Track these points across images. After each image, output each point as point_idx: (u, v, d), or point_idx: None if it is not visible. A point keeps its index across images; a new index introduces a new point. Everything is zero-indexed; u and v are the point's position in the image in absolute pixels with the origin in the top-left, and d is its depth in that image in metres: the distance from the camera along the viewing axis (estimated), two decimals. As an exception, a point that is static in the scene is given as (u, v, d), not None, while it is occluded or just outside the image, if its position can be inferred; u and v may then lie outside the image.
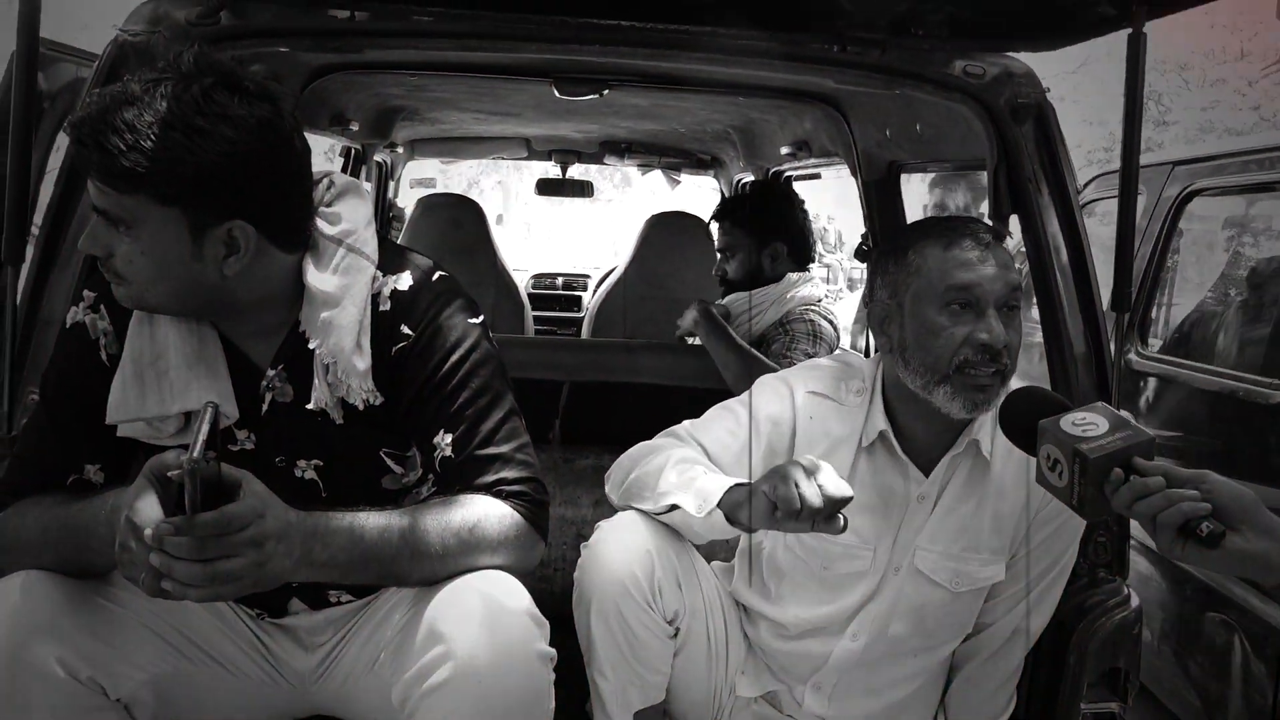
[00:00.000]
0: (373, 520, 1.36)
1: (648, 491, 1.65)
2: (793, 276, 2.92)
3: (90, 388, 1.46)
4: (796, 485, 1.44)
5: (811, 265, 3.04)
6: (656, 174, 4.71)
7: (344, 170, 3.93)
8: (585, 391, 2.61)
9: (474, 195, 5.00)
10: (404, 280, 1.49)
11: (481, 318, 1.53)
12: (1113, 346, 1.94)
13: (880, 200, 2.87)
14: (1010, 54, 1.98)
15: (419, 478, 1.56)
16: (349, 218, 1.49)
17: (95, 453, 1.48)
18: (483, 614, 1.33)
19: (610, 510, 1.74)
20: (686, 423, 1.79)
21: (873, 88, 2.12)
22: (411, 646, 1.36)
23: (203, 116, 1.29)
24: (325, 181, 1.52)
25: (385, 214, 4.52)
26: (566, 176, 4.97)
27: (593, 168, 5.39)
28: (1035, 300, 1.98)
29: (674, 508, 1.60)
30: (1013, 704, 1.87)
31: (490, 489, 1.44)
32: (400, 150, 4.40)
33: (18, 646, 1.30)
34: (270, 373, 1.48)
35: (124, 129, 1.27)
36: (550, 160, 4.69)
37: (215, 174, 1.30)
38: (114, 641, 1.39)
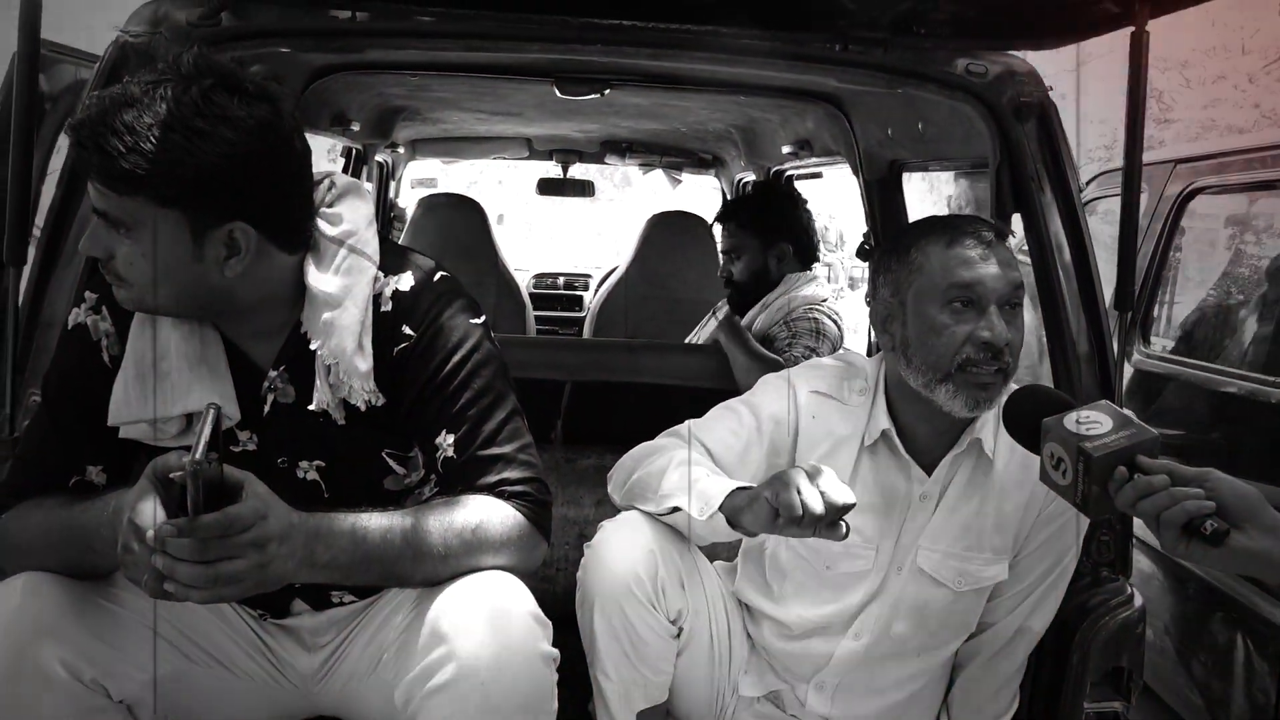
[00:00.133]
0: (375, 521, 1.36)
1: (650, 493, 1.65)
2: (793, 276, 2.92)
3: (92, 389, 1.46)
4: (799, 491, 1.43)
5: (815, 264, 3.05)
6: (658, 173, 4.71)
7: (345, 171, 3.93)
8: (587, 391, 2.61)
9: (473, 193, 4.99)
10: (405, 281, 1.49)
11: (483, 318, 1.53)
12: (1116, 345, 1.94)
13: (882, 199, 2.86)
14: (1013, 52, 1.98)
15: (421, 478, 1.56)
16: (350, 218, 1.49)
17: (97, 454, 1.48)
18: (486, 614, 1.33)
19: (612, 510, 1.74)
20: (689, 422, 1.79)
21: (875, 87, 2.12)
22: (414, 647, 1.36)
23: (202, 118, 1.29)
24: (326, 182, 1.52)
25: (386, 214, 4.52)
26: (568, 176, 4.97)
27: (593, 167, 5.39)
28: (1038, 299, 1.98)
29: (676, 509, 1.60)
30: (1015, 703, 1.87)
31: (493, 489, 1.44)
32: (401, 150, 4.40)
33: (21, 648, 1.30)
34: (272, 374, 1.48)
35: (124, 131, 1.27)
36: (551, 160, 4.69)
37: (215, 175, 1.30)
38: (116, 643, 1.39)
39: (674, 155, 4.41)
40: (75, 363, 1.49)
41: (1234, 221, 3.63)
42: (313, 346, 1.44)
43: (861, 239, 3.10)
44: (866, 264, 2.69)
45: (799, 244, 2.96)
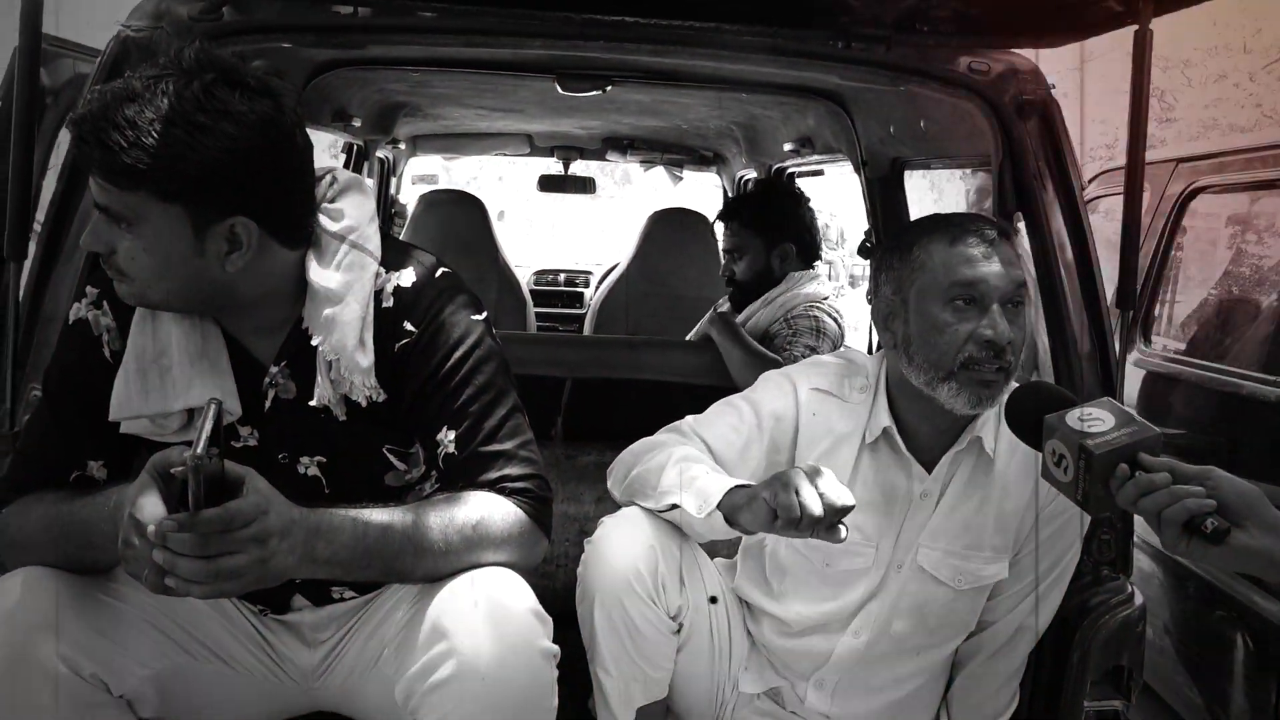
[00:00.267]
0: (376, 517, 1.36)
1: (649, 489, 1.65)
2: (795, 274, 2.92)
3: (93, 384, 1.46)
4: (797, 493, 1.42)
5: (816, 262, 3.04)
6: (659, 170, 4.71)
7: (346, 167, 3.93)
8: (588, 388, 2.61)
9: (474, 190, 5.00)
10: (407, 276, 1.49)
11: (485, 314, 1.52)
12: (1117, 343, 1.94)
13: (884, 197, 2.86)
14: (1016, 50, 1.97)
15: (422, 474, 1.55)
16: (352, 214, 1.49)
17: (98, 449, 1.47)
18: (486, 611, 1.33)
19: (613, 507, 1.74)
20: (690, 418, 1.79)
21: (877, 84, 2.12)
22: (414, 643, 1.36)
23: (204, 113, 1.29)
24: (328, 178, 1.51)
25: (387, 211, 4.52)
26: (568, 173, 4.97)
27: (594, 164, 5.38)
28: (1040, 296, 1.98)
29: (674, 506, 1.60)
30: (1015, 702, 1.87)
31: (493, 486, 1.44)
32: (402, 146, 4.40)
33: (20, 643, 1.30)
34: (273, 369, 1.48)
35: (125, 126, 1.27)
36: (552, 156, 4.69)
37: (217, 170, 1.30)
38: (117, 638, 1.39)
39: (675, 152, 4.40)
40: (76, 358, 1.49)
41: (1235, 221, 3.63)
42: (314, 342, 1.44)
43: (863, 237, 3.10)
44: (868, 262, 2.69)
45: (801, 243, 2.96)
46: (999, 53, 1.96)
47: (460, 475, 1.45)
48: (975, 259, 1.63)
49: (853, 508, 1.43)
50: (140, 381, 1.44)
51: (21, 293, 1.73)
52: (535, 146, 4.46)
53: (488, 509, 1.41)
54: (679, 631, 1.70)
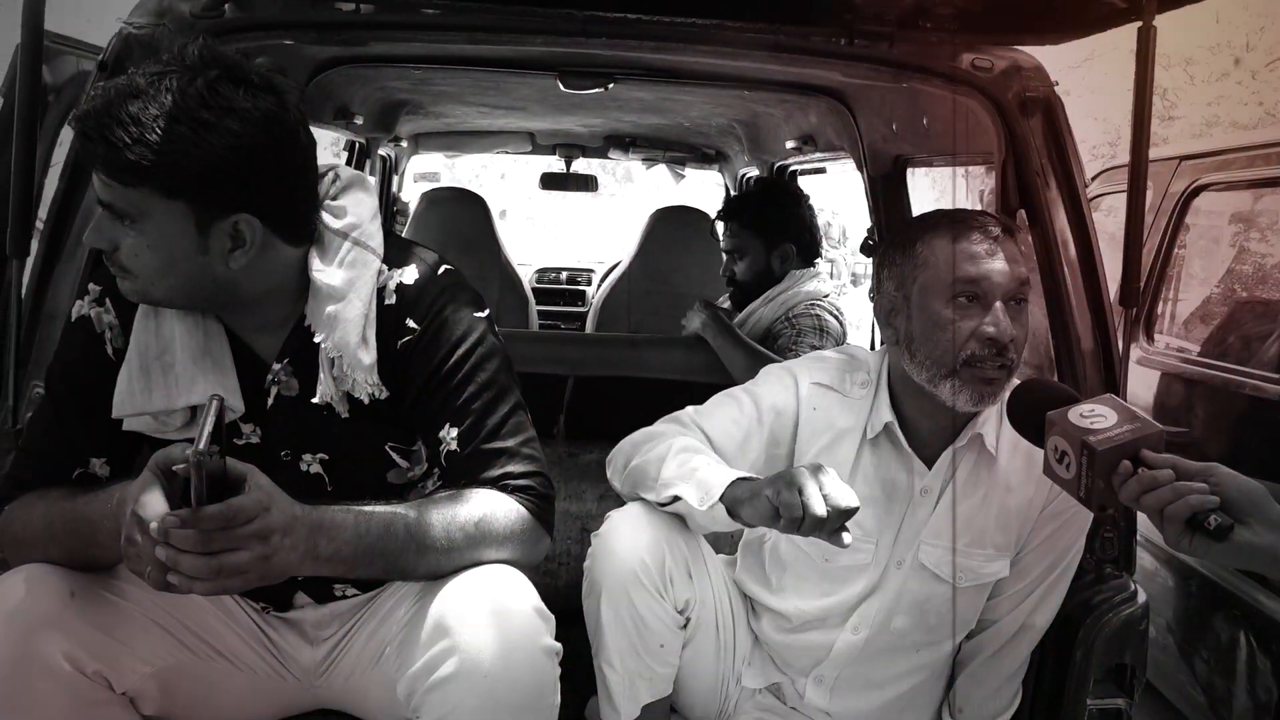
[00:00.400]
0: (378, 514, 1.36)
1: (650, 480, 1.64)
2: (797, 273, 2.91)
3: (96, 381, 1.46)
4: (801, 492, 1.42)
5: (817, 261, 3.04)
6: (661, 168, 4.70)
7: (348, 164, 3.93)
8: (590, 386, 2.61)
9: (476, 188, 5.00)
10: (409, 274, 1.49)
11: (487, 311, 1.52)
12: (1120, 341, 1.93)
13: (886, 194, 2.86)
14: (1019, 47, 1.97)
15: (424, 472, 1.55)
16: (354, 211, 1.49)
17: (101, 446, 1.48)
18: (488, 608, 1.33)
19: (615, 504, 1.73)
20: (690, 409, 1.79)
21: (879, 81, 2.12)
22: (417, 641, 1.36)
23: (208, 110, 1.29)
24: (331, 175, 1.52)
25: (389, 209, 4.52)
26: (570, 171, 4.96)
27: (595, 162, 5.38)
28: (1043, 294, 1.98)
29: (676, 498, 1.59)
30: (1018, 699, 1.87)
31: (496, 483, 1.44)
32: (404, 144, 4.40)
33: (23, 640, 1.30)
34: (276, 366, 1.48)
35: (129, 122, 1.27)
36: (554, 154, 4.69)
37: (220, 167, 1.30)
38: (119, 635, 1.39)
39: (677, 150, 4.40)
40: (79, 355, 1.49)
41: (1238, 218, 3.63)
42: (317, 339, 1.44)
43: (865, 234, 3.09)
44: (869, 260, 2.69)
45: (801, 242, 2.95)
46: (1002, 50, 1.95)
47: (462, 472, 1.45)
48: (978, 256, 1.63)
49: (856, 510, 1.42)
50: (143, 379, 1.44)
51: (24, 290, 1.73)
52: (537, 144, 4.46)
53: (490, 506, 1.41)
54: (685, 626, 1.70)
